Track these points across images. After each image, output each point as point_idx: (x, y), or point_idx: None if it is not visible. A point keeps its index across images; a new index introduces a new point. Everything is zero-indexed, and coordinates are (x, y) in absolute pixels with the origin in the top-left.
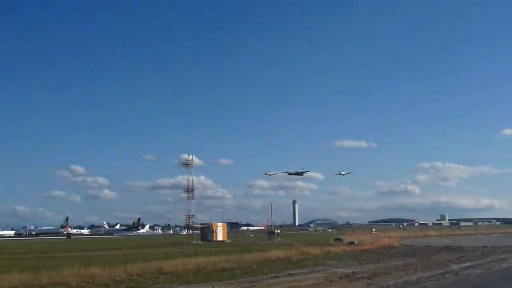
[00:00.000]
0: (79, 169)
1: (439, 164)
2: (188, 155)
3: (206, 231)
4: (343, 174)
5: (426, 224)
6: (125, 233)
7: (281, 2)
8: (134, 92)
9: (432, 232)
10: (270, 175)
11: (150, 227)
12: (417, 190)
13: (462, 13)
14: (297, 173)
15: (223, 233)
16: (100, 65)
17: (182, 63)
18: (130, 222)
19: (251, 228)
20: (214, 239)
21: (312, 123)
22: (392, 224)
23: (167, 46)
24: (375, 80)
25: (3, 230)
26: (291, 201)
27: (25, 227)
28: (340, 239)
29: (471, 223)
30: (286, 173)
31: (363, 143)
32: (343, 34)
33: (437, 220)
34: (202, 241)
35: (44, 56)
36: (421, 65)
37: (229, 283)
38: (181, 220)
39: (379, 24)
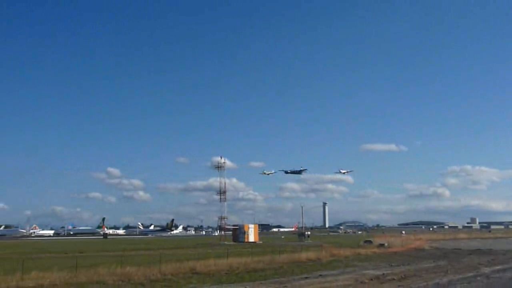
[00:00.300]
0: (115, 171)
1: (469, 167)
2: (221, 157)
3: (238, 232)
4: (344, 173)
5: (456, 227)
6: (159, 233)
7: None
8: (168, 98)
9: (462, 235)
10: (267, 174)
11: (183, 228)
12: (447, 193)
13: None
14: (294, 172)
15: (254, 234)
16: (140, 76)
17: (216, 70)
18: (164, 223)
19: (281, 229)
20: (246, 240)
21: (341, 126)
22: (422, 227)
23: (200, 52)
24: (405, 83)
25: (43, 229)
26: (321, 204)
27: (63, 227)
28: (370, 241)
29: (501, 226)
30: (283, 172)
31: (393, 147)
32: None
33: (467, 223)
34: (234, 242)
35: (84, 66)
36: (452, 68)
37: (261, 283)
38: (213, 221)
39: (406, 26)
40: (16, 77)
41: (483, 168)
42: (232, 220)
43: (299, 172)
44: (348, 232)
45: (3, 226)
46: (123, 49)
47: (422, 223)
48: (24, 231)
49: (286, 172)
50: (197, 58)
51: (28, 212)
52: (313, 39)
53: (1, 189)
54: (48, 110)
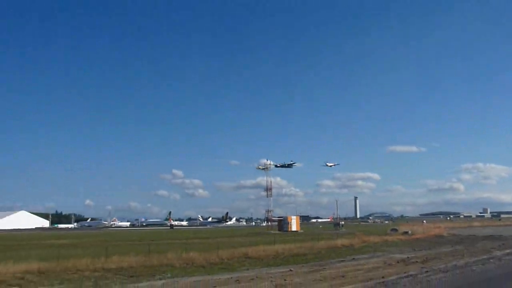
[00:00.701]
0: (179, 173)
1: (481, 164)
2: (266, 160)
3: (283, 223)
4: (330, 166)
5: (470, 216)
6: (215, 224)
7: None
8: (220, 107)
9: (475, 223)
10: (262, 168)
11: (236, 219)
12: (461, 187)
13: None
14: (283, 166)
15: (296, 224)
16: (194, 84)
17: (261, 78)
18: (220, 216)
19: (319, 220)
20: (289, 230)
21: (369, 130)
22: (440, 217)
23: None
24: (424, 91)
25: (121, 221)
26: (353, 198)
27: (137, 219)
28: (395, 230)
29: (511, 215)
30: (274, 166)
31: (413, 148)
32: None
33: (480, 213)
34: (279, 231)
35: (151, 72)
36: (461, 73)
37: (303, 266)
38: (261, 213)
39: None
40: (93, 85)
41: (493, 165)
42: (277, 212)
43: (289, 165)
44: (376, 222)
45: (90, 219)
46: (186, 51)
47: (440, 213)
48: (106, 222)
49: (277, 166)
50: (244, 65)
51: (109, 207)
52: (341, 43)
53: (89, 189)
54: (127, 123)
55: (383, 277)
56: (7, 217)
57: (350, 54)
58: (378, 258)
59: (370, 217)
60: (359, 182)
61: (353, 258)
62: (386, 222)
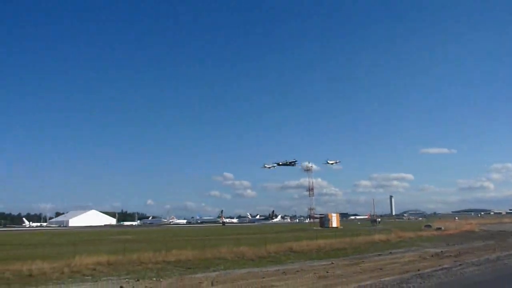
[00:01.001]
0: (229, 175)
1: (510, 164)
2: (308, 162)
3: (324, 220)
4: (331, 164)
5: (500, 213)
6: (263, 221)
7: None
8: (262, 113)
9: (506, 220)
10: (269, 167)
11: (281, 217)
12: (491, 186)
13: None
14: (285, 164)
15: (336, 221)
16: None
17: (306, 83)
18: (267, 213)
19: (357, 217)
20: (330, 226)
21: (403, 133)
22: (471, 214)
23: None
24: (456, 96)
25: (178, 219)
26: (388, 196)
27: (193, 217)
28: (429, 226)
29: None
30: (277, 164)
31: (445, 150)
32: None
33: (510, 209)
34: (321, 227)
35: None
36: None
37: (343, 259)
38: (304, 211)
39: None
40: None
41: None
42: (318, 210)
43: (290, 163)
44: (411, 219)
45: (151, 217)
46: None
47: (471, 210)
48: (165, 220)
49: (279, 164)
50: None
51: (168, 206)
52: (373, 46)
53: (150, 190)
54: (182, 130)
55: (418, 270)
56: (80, 216)
57: (383, 58)
58: (413, 252)
59: (405, 214)
60: (394, 182)
61: (390, 252)
62: (420, 219)
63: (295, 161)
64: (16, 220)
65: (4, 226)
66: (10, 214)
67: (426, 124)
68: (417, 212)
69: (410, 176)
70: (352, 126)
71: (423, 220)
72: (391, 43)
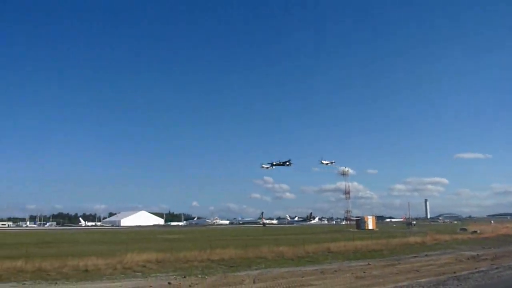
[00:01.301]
0: (269, 179)
1: None
2: (345, 167)
3: (360, 222)
4: (326, 164)
5: None
6: (301, 223)
7: None
8: (305, 119)
9: None
10: (266, 167)
11: (318, 218)
12: None
13: None
14: (278, 164)
15: (372, 223)
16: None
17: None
18: (305, 215)
19: (393, 220)
20: (366, 228)
21: (439, 138)
22: (507, 217)
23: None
24: (490, 101)
25: (221, 220)
26: (423, 200)
27: (235, 218)
28: (464, 229)
29: None
30: (271, 165)
31: (480, 155)
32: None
33: None
34: (357, 229)
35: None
36: None
37: (380, 260)
38: (340, 214)
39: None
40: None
41: None
42: (355, 212)
43: (283, 164)
44: (446, 222)
45: (196, 218)
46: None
47: (507, 214)
48: (209, 221)
49: (274, 165)
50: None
51: (212, 208)
52: (408, 49)
53: (196, 192)
54: (225, 137)
55: (455, 272)
56: (131, 216)
57: (417, 61)
58: (449, 255)
59: (440, 218)
60: (429, 186)
61: (426, 254)
62: (455, 222)
63: (289, 161)
64: (73, 219)
65: (62, 225)
66: (68, 214)
67: (460, 129)
68: (452, 215)
69: (444, 180)
70: (387, 132)
71: (458, 224)
72: (425, 47)
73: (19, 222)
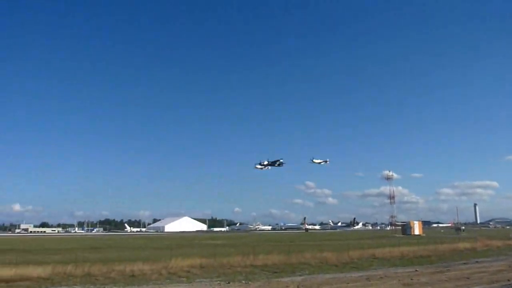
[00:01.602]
0: (311, 184)
1: None
2: (389, 171)
3: (406, 227)
4: (318, 163)
5: None
6: (344, 228)
7: None
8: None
9: None
10: (260, 168)
11: (362, 224)
12: None
13: None
14: (269, 164)
15: (419, 228)
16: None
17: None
18: (348, 221)
19: (440, 225)
20: (412, 233)
21: (487, 140)
22: None
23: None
24: None
25: (264, 225)
26: (472, 204)
27: (277, 224)
28: None
29: None
30: (262, 165)
31: None
32: None
33: None
34: (403, 234)
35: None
36: None
37: (428, 266)
38: (385, 219)
39: None
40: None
41: None
42: (400, 218)
43: (273, 163)
44: (497, 227)
45: (238, 223)
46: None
47: None
48: (252, 226)
49: (265, 165)
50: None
51: (254, 214)
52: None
53: (238, 198)
54: (264, 143)
55: (508, 280)
56: (175, 222)
57: (462, 63)
58: (502, 262)
59: (491, 223)
60: (478, 190)
61: (476, 261)
62: (508, 227)
63: (280, 160)
64: (119, 225)
65: (109, 231)
66: (114, 220)
67: (510, 130)
68: (504, 220)
69: (495, 184)
70: (433, 135)
71: (510, 229)
72: (475, 49)
73: (68, 228)
